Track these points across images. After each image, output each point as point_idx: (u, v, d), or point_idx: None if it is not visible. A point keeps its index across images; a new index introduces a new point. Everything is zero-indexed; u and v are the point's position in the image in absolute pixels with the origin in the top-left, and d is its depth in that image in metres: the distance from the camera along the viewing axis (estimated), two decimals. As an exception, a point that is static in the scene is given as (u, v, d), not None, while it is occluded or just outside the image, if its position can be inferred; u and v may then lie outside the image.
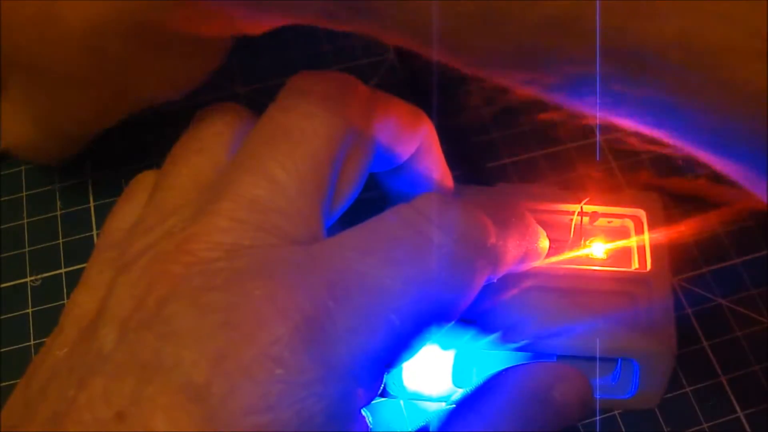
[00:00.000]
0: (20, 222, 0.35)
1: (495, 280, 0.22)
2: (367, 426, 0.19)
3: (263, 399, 0.16)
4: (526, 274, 0.25)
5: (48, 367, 0.19)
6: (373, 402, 0.28)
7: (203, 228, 0.19)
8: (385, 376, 0.24)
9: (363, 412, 0.19)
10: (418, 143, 0.24)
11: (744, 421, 0.29)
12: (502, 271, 0.23)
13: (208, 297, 0.17)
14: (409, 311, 0.18)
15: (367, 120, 0.22)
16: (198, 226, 0.19)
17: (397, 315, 0.18)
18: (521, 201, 0.28)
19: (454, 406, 0.21)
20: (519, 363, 0.23)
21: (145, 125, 0.38)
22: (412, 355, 0.20)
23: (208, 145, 0.22)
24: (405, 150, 0.24)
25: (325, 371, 0.17)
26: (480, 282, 0.21)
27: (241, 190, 0.19)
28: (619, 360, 0.24)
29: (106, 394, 0.16)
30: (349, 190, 0.22)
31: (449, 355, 0.24)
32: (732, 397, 0.30)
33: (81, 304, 0.21)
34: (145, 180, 0.24)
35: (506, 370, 0.22)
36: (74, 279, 0.32)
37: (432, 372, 0.24)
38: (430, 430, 0.21)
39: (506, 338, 0.24)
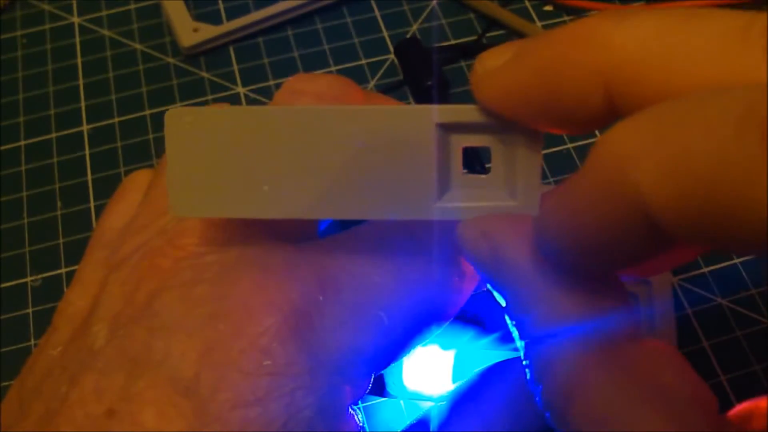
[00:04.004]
0: (20, 222, 0.35)
1: (485, 288, 0.22)
2: (357, 424, 0.19)
3: (252, 391, 0.16)
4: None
5: (42, 366, 0.19)
6: (373, 402, 0.28)
7: (194, 224, 0.19)
8: (385, 375, 0.25)
9: (352, 410, 0.19)
10: None
11: (744, 421, 0.29)
12: None
13: (197, 290, 0.17)
14: (397, 310, 0.18)
15: None
16: (189, 222, 0.19)
17: (386, 312, 0.18)
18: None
19: (450, 403, 0.21)
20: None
21: (145, 125, 0.38)
22: (401, 357, 0.20)
23: None
24: None
25: (313, 364, 0.17)
26: (469, 287, 0.21)
27: None
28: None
29: (97, 391, 0.16)
30: None
31: (449, 355, 0.24)
32: (732, 397, 0.30)
33: (74, 303, 0.21)
34: (137, 179, 0.24)
35: (498, 365, 0.22)
36: (74, 279, 0.32)
37: (432, 372, 0.24)
38: (429, 428, 0.21)
39: (506, 338, 0.24)
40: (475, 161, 0.35)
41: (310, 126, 0.17)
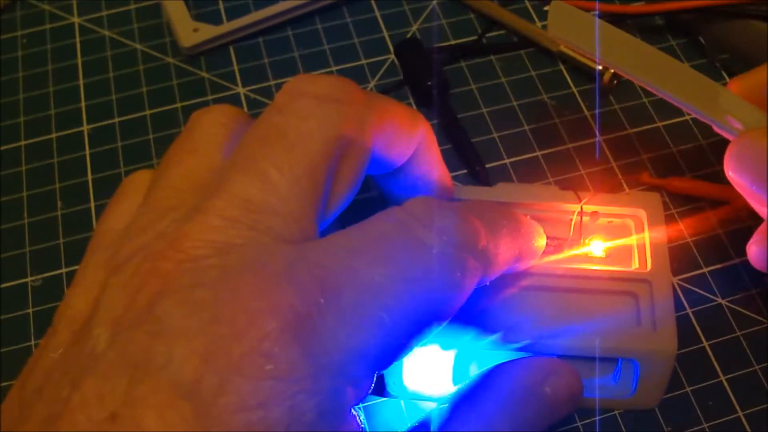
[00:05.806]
0: (20, 222, 0.35)
1: (488, 283, 0.22)
2: (359, 425, 0.19)
3: (254, 395, 0.16)
4: (526, 274, 0.25)
5: (42, 369, 0.19)
6: (373, 402, 0.28)
7: (195, 226, 0.19)
8: (385, 375, 0.25)
9: (354, 412, 0.19)
10: (415, 146, 0.24)
11: (744, 421, 0.29)
12: (495, 273, 0.23)
13: (199, 294, 0.17)
14: (399, 310, 0.18)
15: (364, 123, 0.22)
16: (190, 225, 0.19)
17: (388, 313, 0.18)
18: (519, 201, 0.28)
19: (451, 404, 0.21)
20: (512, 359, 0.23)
21: (146, 125, 0.38)
22: (403, 356, 0.20)
23: (202, 145, 0.22)
24: (402, 153, 0.24)
25: (315, 367, 0.17)
26: (471, 284, 0.21)
27: (234, 189, 0.19)
28: (619, 360, 0.24)
29: (99, 395, 0.16)
30: (344, 192, 0.22)
31: (449, 355, 0.24)
32: (732, 397, 0.30)
33: (74, 305, 0.21)
34: (137, 180, 0.24)
35: (499, 366, 0.22)
36: (74, 279, 0.32)
37: (432, 372, 0.24)
38: (430, 429, 0.21)
39: (506, 338, 0.24)
40: (475, 161, 0.35)
41: (637, 47, 0.28)
